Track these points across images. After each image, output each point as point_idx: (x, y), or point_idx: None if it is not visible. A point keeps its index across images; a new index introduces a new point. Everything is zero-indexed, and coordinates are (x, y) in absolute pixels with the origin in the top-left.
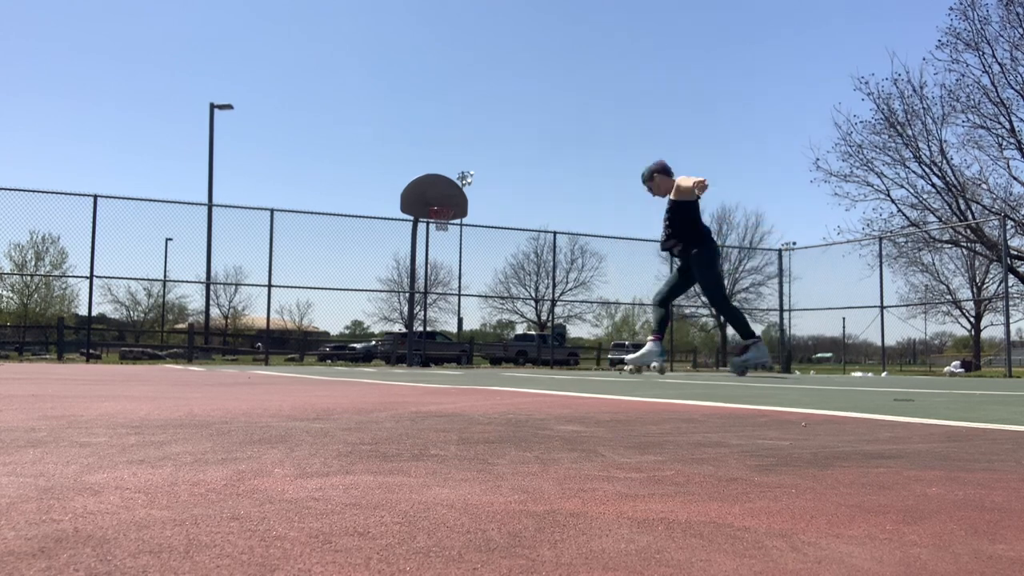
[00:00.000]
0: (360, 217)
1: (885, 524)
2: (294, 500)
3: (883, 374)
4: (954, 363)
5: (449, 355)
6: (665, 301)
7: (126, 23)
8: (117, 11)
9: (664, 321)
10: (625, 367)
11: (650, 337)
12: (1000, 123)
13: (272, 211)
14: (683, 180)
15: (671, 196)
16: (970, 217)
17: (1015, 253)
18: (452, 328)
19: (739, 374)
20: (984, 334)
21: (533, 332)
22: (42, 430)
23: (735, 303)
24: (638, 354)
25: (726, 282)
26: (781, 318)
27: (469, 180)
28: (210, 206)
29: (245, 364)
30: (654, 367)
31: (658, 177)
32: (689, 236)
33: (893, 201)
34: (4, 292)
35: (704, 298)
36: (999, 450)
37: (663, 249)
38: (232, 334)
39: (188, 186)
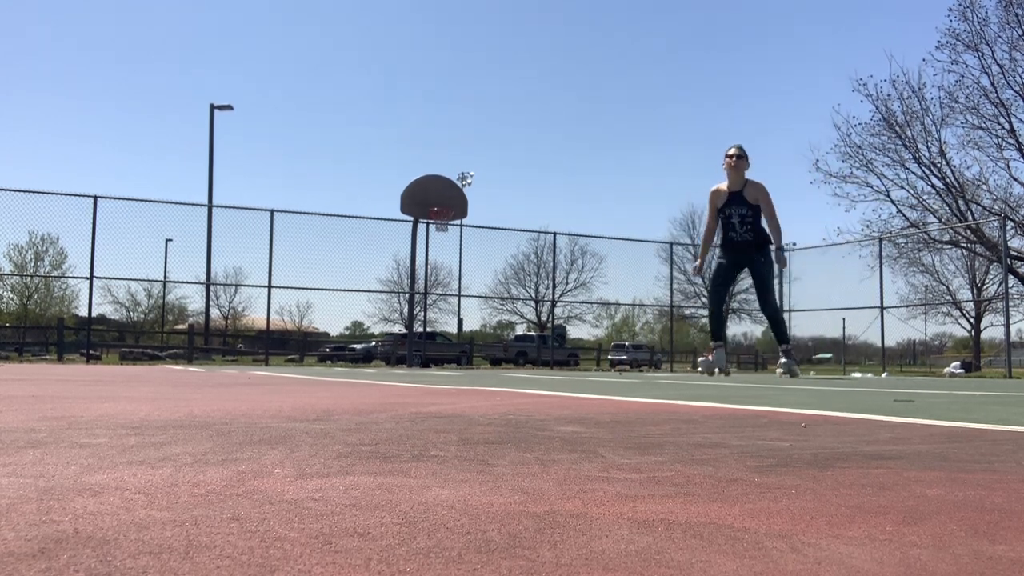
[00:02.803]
0: (360, 218)
1: (885, 525)
2: (294, 501)
3: (883, 375)
4: (954, 364)
5: (449, 356)
6: (722, 306)
7: (126, 23)
8: (117, 10)
9: (724, 325)
10: (698, 370)
11: (715, 344)
12: (1000, 124)
13: (272, 212)
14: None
15: (751, 195)
16: (970, 218)
17: (1015, 254)
18: (452, 329)
19: (793, 376)
20: (984, 335)
21: (533, 333)
22: (42, 431)
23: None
24: (711, 360)
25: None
26: None
27: (469, 180)
28: (210, 207)
29: (245, 365)
30: (718, 372)
31: (746, 165)
32: (765, 239)
33: (893, 202)
34: (4, 293)
35: (761, 297)
36: (999, 451)
37: (739, 249)
38: (232, 335)
39: (188, 186)
